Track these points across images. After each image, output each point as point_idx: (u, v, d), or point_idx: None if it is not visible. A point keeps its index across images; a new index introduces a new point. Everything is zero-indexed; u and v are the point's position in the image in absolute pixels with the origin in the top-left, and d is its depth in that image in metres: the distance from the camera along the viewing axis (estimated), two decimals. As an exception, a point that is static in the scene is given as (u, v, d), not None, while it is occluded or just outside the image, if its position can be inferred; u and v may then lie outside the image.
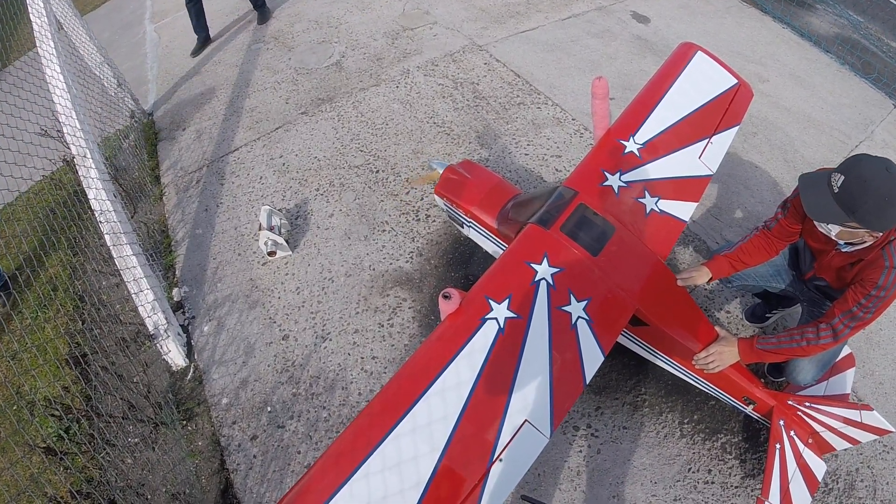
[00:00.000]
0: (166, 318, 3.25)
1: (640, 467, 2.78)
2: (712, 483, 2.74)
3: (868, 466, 2.81)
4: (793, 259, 2.75)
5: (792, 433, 2.46)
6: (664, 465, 2.79)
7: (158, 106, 5.31)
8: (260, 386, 3.16)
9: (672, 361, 2.63)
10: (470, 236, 3.31)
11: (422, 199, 4.02)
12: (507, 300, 2.16)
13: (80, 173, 3.26)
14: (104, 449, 2.87)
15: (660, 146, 2.82)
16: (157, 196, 4.38)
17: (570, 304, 2.22)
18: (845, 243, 2.17)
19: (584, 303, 2.24)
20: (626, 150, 2.78)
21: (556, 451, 2.83)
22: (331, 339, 3.32)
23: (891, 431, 2.29)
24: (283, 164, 4.41)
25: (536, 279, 2.25)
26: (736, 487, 2.73)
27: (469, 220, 3.12)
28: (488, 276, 2.28)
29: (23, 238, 3.94)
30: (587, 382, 2.10)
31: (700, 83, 3.07)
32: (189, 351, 3.36)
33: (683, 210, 2.72)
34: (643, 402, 3.00)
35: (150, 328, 3.21)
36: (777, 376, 3.03)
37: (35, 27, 3.62)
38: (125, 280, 3.19)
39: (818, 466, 2.44)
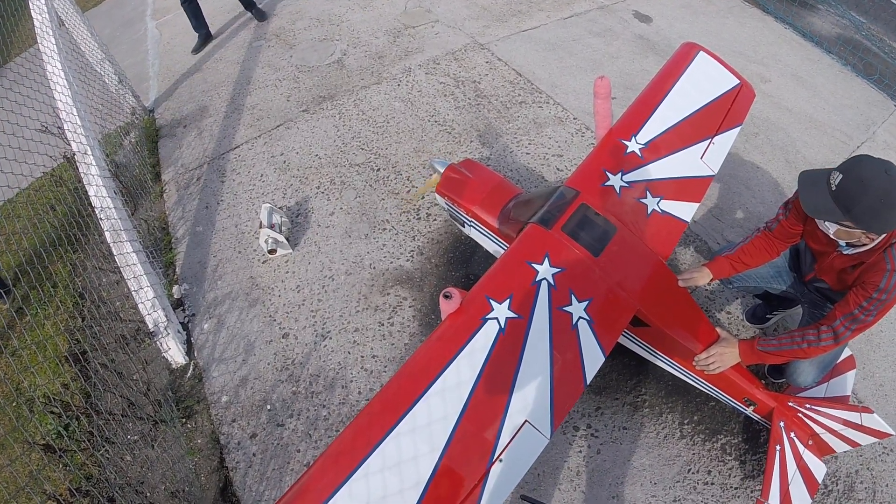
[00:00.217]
0: (166, 316, 3.25)
1: (640, 468, 2.78)
2: (712, 484, 2.74)
3: (868, 468, 2.81)
4: (793, 260, 2.75)
5: (792, 435, 2.46)
6: (664, 465, 2.79)
7: (159, 103, 5.31)
8: (260, 384, 3.16)
9: (672, 362, 2.63)
10: (471, 235, 3.30)
11: (422, 197, 4.01)
12: (508, 300, 2.15)
13: (80, 170, 3.26)
14: (103, 446, 2.87)
15: (662, 146, 2.82)
16: (158, 193, 4.37)
17: (571, 304, 2.21)
18: (846, 244, 2.17)
19: (586, 303, 2.24)
20: (628, 150, 2.77)
21: (555, 451, 2.83)
22: (331, 338, 3.31)
23: (891, 434, 2.29)
24: (284, 162, 4.40)
25: (537, 279, 2.25)
26: (736, 488, 2.73)
27: (470, 219, 3.11)
28: (489, 275, 2.28)
29: (23, 235, 3.93)
30: (588, 383, 2.10)
31: (702, 83, 3.06)
32: (189, 349, 3.35)
33: (685, 210, 2.71)
34: (643, 403, 3.00)
35: (150, 325, 3.21)
36: (777, 378, 3.03)
37: (36, 23, 3.62)
38: (125, 277, 3.19)
39: (818, 468, 2.44)
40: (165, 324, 3.22)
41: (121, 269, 3.18)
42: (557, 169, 4.19)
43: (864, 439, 2.36)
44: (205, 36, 5.88)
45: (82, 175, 3.25)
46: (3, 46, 4.90)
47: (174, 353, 3.26)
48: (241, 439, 2.96)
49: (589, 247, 2.40)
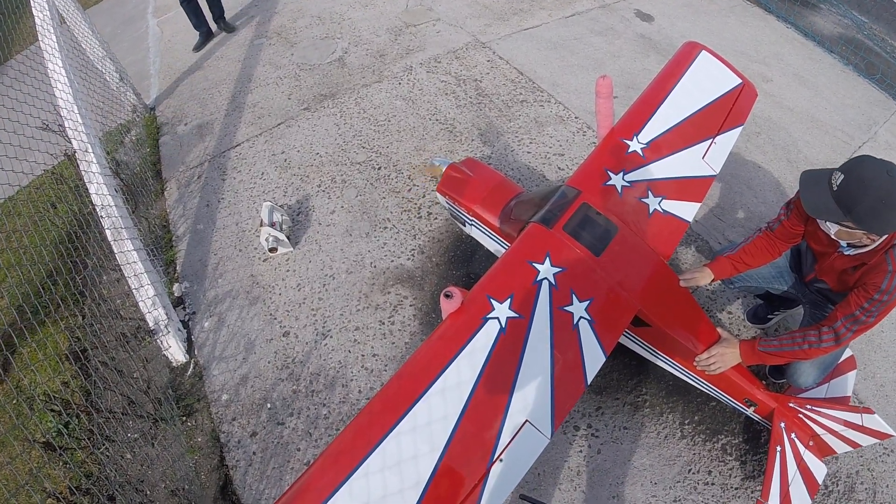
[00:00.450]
0: (167, 314, 3.25)
1: (641, 468, 2.78)
2: (712, 484, 2.73)
3: (868, 469, 2.81)
4: (794, 261, 2.75)
5: (793, 435, 2.45)
6: (664, 465, 2.79)
7: (160, 101, 5.30)
8: (260, 382, 3.16)
9: (673, 362, 2.63)
10: (472, 234, 3.30)
11: (423, 196, 4.01)
12: (509, 299, 2.15)
13: (81, 168, 3.26)
14: (103, 444, 2.87)
15: (663, 146, 2.81)
16: (159, 191, 4.37)
17: (572, 303, 2.21)
18: (847, 245, 2.17)
19: (587, 303, 2.23)
20: (630, 150, 2.77)
21: (556, 450, 2.83)
22: (331, 337, 3.31)
23: (891, 435, 2.28)
24: (285, 160, 4.40)
25: (538, 279, 2.24)
26: (736, 489, 2.72)
27: (471, 218, 3.11)
28: (490, 275, 2.27)
29: (23, 232, 3.93)
30: (588, 383, 2.09)
31: (704, 83, 3.06)
32: (189, 347, 3.35)
33: (687, 210, 2.71)
34: (644, 403, 2.99)
35: (151, 324, 3.21)
36: (778, 378, 3.02)
37: (37, 21, 3.62)
38: (126, 275, 3.19)
39: (818, 469, 2.44)
40: (166, 322, 3.22)
41: (121, 266, 3.18)
42: (559, 168, 4.19)
43: (864, 440, 2.36)
44: (206, 34, 5.88)
45: (83, 173, 3.25)
46: (4, 44, 4.89)
47: (174, 351, 3.26)
48: (241, 438, 2.96)
49: (590, 246, 2.39)
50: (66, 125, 3.31)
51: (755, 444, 2.86)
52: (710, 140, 2.90)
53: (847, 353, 2.68)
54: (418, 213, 3.91)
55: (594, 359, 2.13)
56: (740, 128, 3.01)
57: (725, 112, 3.00)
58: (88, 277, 3.63)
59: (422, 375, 1.95)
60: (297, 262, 3.71)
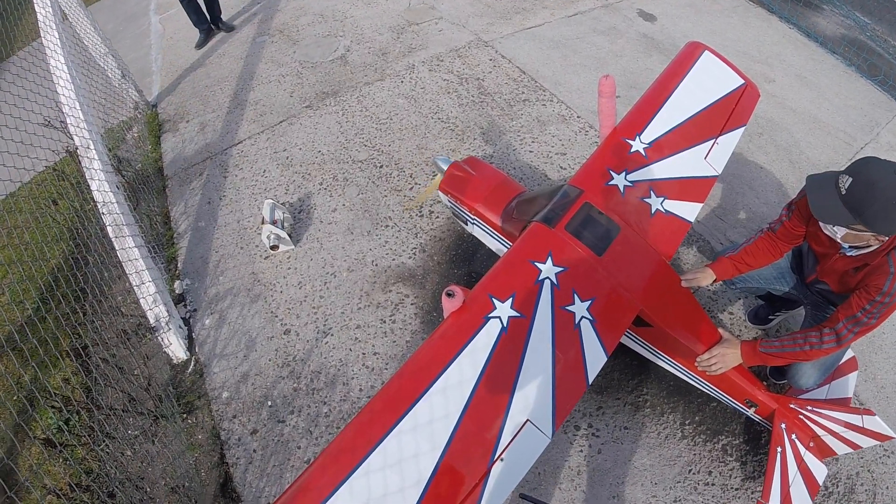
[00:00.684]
0: (168, 311, 3.25)
1: (641, 468, 2.78)
2: (713, 485, 2.73)
3: (868, 470, 2.81)
4: (796, 262, 2.74)
5: (793, 436, 2.45)
6: (665, 465, 2.79)
7: (162, 97, 5.30)
8: (261, 380, 3.16)
9: (674, 362, 2.63)
10: (474, 233, 3.30)
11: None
12: (511, 299, 2.15)
13: (82, 164, 3.26)
14: (104, 441, 2.87)
15: (666, 146, 2.81)
16: (160, 188, 4.37)
17: (573, 303, 2.21)
18: (849, 246, 2.16)
19: (588, 303, 2.23)
20: (633, 150, 2.77)
21: (556, 450, 2.83)
22: (332, 335, 3.31)
23: (892, 437, 2.28)
24: (287, 158, 4.40)
25: (540, 278, 2.24)
26: (736, 489, 2.72)
27: (473, 217, 3.11)
28: (492, 274, 2.27)
29: (25, 228, 3.93)
30: (590, 382, 2.09)
31: (706, 83, 3.05)
32: (190, 344, 3.35)
33: (689, 210, 2.71)
34: (645, 403, 2.99)
35: (152, 320, 3.21)
36: (779, 379, 3.02)
37: (39, 17, 3.62)
38: (127, 272, 3.18)
39: (819, 470, 2.44)
40: (167, 319, 3.22)
41: (122, 263, 3.17)
42: (561, 167, 4.18)
43: (865, 441, 2.36)
44: (206, 31, 5.87)
45: (85, 169, 3.25)
46: (6, 40, 4.89)
47: (175, 348, 3.26)
48: (241, 435, 2.96)
49: (592, 246, 2.39)
50: (68, 122, 3.31)
51: (756, 444, 2.85)
52: (713, 140, 2.90)
53: (848, 354, 2.68)
54: (420, 212, 3.90)
55: (596, 358, 2.13)
56: (743, 128, 3.00)
57: (728, 112, 2.99)
58: (89, 274, 3.63)
59: (423, 374, 1.94)
60: (299, 259, 3.71)
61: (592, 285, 2.30)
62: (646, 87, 3.09)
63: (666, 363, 2.69)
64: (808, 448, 2.45)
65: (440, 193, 3.27)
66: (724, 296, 3.45)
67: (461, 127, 4.53)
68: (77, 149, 3.26)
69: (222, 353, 3.29)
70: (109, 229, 3.15)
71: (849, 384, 2.65)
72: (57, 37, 3.53)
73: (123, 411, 2.98)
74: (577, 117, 4.59)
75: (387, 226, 3.84)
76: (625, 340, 2.72)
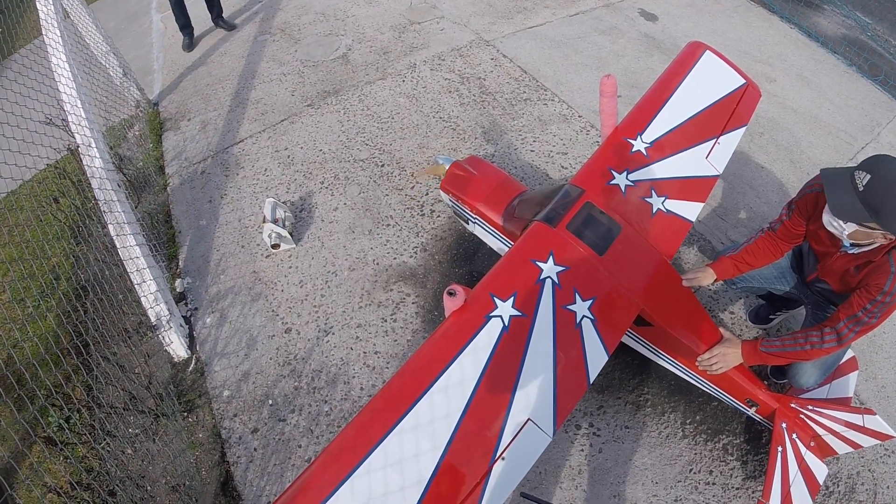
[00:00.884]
0: (169, 309, 3.25)
1: (642, 467, 2.78)
2: (713, 484, 2.74)
3: (869, 470, 2.81)
4: (796, 261, 2.74)
5: (794, 436, 2.46)
6: (665, 465, 2.79)
7: (164, 96, 5.29)
8: (262, 379, 3.16)
9: (675, 362, 2.63)
10: (475, 233, 3.30)
11: (427, 193, 4.01)
12: (512, 298, 2.15)
13: (84, 162, 3.26)
14: (104, 440, 2.87)
15: (667, 145, 2.81)
16: (162, 186, 4.37)
17: (575, 302, 2.21)
18: (851, 244, 2.16)
19: (590, 302, 2.23)
20: (634, 149, 2.77)
21: (557, 449, 2.83)
22: (333, 334, 3.31)
23: (892, 436, 2.28)
24: (288, 157, 4.40)
25: (542, 277, 2.24)
26: (737, 489, 2.73)
27: (474, 216, 3.11)
28: (493, 273, 2.27)
29: (26, 226, 3.93)
30: (591, 382, 2.10)
31: (708, 83, 3.06)
32: (191, 342, 3.36)
33: (690, 210, 2.71)
34: (646, 402, 2.99)
35: (153, 319, 3.21)
36: (780, 378, 3.02)
37: (41, 15, 3.61)
38: (128, 270, 3.18)
39: (819, 469, 2.44)
40: (168, 317, 3.22)
41: (124, 261, 3.17)
42: (562, 167, 4.18)
43: (865, 441, 2.36)
44: (191, 34, 5.78)
45: (86, 168, 3.25)
46: (7, 38, 4.89)
47: (176, 346, 3.26)
48: (242, 434, 2.96)
49: (594, 245, 2.39)
50: (70, 120, 3.31)
51: (756, 444, 2.86)
52: (714, 140, 2.90)
53: (849, 354, 2.69)
54: (421, 211, 3.91)
55: (597, 358, 2.13)
56: (744, 128, 3.01)
57: (729, 112, 3.00)
58: (90, 272, 3.63)
59: (424, 373, 1.95)
60: (300, 258, 3.71)
61: (594, 284, 2.30)
62: (647, 86, 3.09)
63: (667, 362, 2.69)
64: (808, 447, 2.45)
65: (442, 193, 3.27)
66: (725, 295, 3.45)
67: (462, 126, 4.53)
68: (78, 147, 3.26)
69: (223, 352, 3.29)
70: (110, 227, 3.15)
71: (849, 384, 2.66)
72: (58, 35, 3.53)
73: (124, 409, 2.98)
74: (579, 117, 4.59)
75: (388, 225, 3.84)
76: (626, 340, 2.73)
